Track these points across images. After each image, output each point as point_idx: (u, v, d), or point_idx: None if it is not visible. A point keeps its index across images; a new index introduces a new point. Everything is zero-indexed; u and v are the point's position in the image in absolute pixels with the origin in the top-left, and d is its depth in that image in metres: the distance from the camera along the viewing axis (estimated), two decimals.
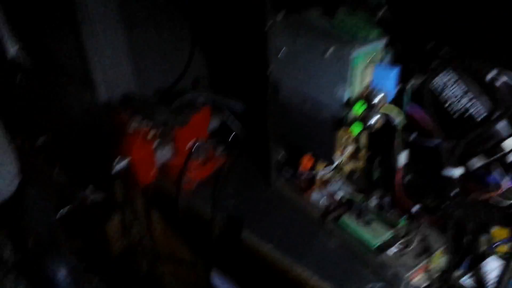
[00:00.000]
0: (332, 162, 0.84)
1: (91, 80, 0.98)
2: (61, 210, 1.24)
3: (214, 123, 1.03)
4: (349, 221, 0.85)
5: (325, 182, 0.92)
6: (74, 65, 1.01)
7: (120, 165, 0.86)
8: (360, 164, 0.93)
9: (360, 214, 0.85)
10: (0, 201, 1.11)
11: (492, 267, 0.73)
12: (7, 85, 1.29)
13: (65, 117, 1.12)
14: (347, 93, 0.74)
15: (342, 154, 0.84)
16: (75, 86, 1.04)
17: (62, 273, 0.94)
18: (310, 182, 0.92)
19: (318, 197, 0.92)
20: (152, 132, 0.87)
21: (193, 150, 0.96)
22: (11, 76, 1.27)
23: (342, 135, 0.81)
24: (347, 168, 0.93)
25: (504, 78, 0.66)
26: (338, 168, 0.91)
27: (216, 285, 1.21)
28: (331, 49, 0.71)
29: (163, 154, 0.94)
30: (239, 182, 0.99)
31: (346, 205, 0.88)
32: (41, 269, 1.05)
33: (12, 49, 1.22)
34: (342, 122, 0.77)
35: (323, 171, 0.89)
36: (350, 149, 0.86)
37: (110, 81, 0.98)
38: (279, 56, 0.79)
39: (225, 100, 1.02)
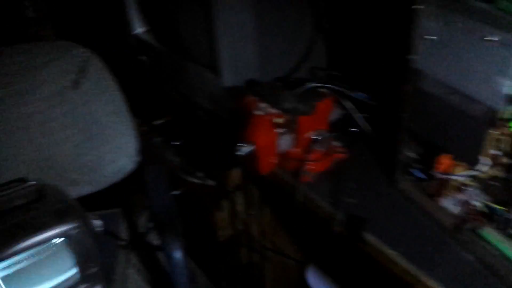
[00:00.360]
0: (475, 166, 0.74)
1: (217, 65, 0.97)
2: (173, 192, 1.26)
3: (335, 114, 0.97)
4: (491, 233, 0.75)
5: (460, 188, 0.83)
6: (201, 49, 1.01)
7: (243, 150, 0.84)
8: (500, 171, 0.81)
9: (504, 227, 0.75)
10: (120, 178, 1.15)
11: None
12: (131, 66, 1.34)
13: (187, 100, 1.13)
14: (509, 86, 0.64)
15: (489, 157, 0.74)
16: (199, 69, 1.04)
17: (178, 255, 0.94)
18: (443, 185, 0.83)
19: (450, 204, 0.82)
20: (278, 119, 0.83)
21: (314, 140, 0.92)
22: (135, 58, 1.32)
23: (492, 136, 0.71)
24: (486, 174, 0.82)
25: None
26: (477, 173, 0.80)
27: (311, 283, 1.17)
28: (493, 34, 0.61)
29: (284, 143, 0.90)
30: (360, 179, 0.93)
31: (486, 216, 0.78)
32: (157, 248, 1.07)
33: (139, 29, 1.27)
34: (497, 120, 0.67)
35: (461, 175, 0.79)
36: (496, 152, 0.76)
37: (235, 66, 0.97)
38: (427, 39, 0.70)
39: (349, 90, 0.96)
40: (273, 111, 0.84)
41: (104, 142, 1.10)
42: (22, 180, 1.06)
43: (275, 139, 0.87)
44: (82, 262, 0.91)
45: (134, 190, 1.17)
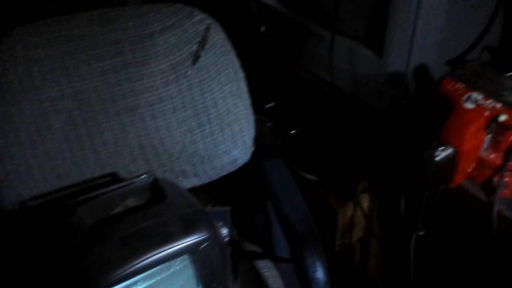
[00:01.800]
0: None
1: (383, 41, 0.74)
2: None
3: None
4: None
5: None
6: (355, 17, 0.77)
7: (442, 154, 0.62)
8: None
9: None
10: (231, 171, 0.96)
11: None
12: (247, 38, 1.13)
13: (320, 81, 0.91)
14: None
15: None
16: (348, 45, 0.81)
17: (321, 276, 0.75)
18: None
19: None
20: (503, 116, 0.60)
21: None
22: (253, 28, 1.11)
23: None
24: None
25: None
26: None
27: None
28: None
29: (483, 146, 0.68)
30: None
31: None
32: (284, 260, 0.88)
33: None
34: None
35: None
36: None
37: (408, 45, 0.74)
38: None
39: None
40: (495, 104, 0.61)
41: (220, 128, 0.93)
42: (114, 176, 0.87)
43: (482, 141, 0.65)
44: (205, 281, 0.72)
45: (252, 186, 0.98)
